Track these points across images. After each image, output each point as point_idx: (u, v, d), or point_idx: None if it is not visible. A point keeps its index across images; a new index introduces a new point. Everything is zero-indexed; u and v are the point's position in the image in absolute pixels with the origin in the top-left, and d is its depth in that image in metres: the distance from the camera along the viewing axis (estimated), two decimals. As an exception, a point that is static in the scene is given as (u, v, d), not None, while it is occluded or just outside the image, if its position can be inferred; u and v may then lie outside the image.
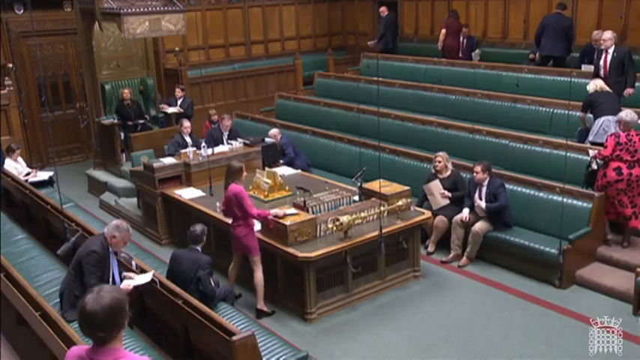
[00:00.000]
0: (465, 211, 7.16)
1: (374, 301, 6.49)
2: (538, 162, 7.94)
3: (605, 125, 7.58)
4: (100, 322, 2.54)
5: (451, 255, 7.25)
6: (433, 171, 7.61)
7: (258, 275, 6.16)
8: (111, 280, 5.05)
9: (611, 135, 6.79)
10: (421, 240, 7.08)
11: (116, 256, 5.20)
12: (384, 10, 12.99)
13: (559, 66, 10.20)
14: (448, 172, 7.55)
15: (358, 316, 6.26)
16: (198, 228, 5.88)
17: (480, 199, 7.09)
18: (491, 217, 7.07)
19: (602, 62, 8.47)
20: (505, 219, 7.06)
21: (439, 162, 7.52)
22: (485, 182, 7.09)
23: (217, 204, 7.12)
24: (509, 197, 7.07)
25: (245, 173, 6.29)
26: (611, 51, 8.36)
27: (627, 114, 6.80)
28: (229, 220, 6.32)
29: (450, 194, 7.36)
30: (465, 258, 7.16)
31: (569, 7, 10.24)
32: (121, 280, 5.10)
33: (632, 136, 6.64)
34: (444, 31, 12.23)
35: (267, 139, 9.22)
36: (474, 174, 7.16)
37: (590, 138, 7.71)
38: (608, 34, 8.39)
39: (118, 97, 10.62)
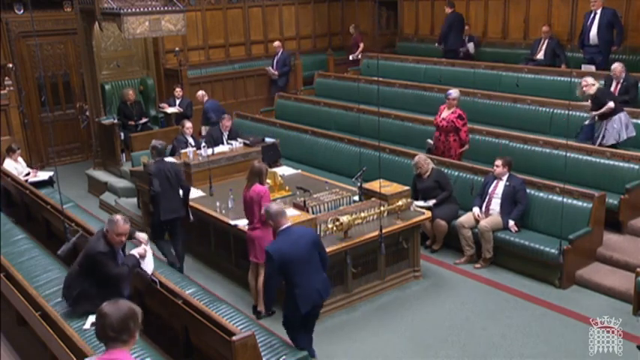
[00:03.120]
0: (476, 210, 7.15)
1: (374, 301, 6.49)
2: (538, 162, 7.95)
3: (625, 121, 7.75)
4: (112, 322, 2.89)
5: (464, 258, 7.18)
6: (417, 171, 7.52)
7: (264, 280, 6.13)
8: None
9: (457, 117, 8.15)
10: (421, 240, 7.06)
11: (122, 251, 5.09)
12: (279, 46, 13.06)
13: (459, 58, 11.86)
14: (429, 170, 7.49)
15: (358, 316, 6.27)
16: (158, 143, 6.83)
17: (495, 193, 7.08)
18: (504, 210, 7.02)
19: (589, 24, 9.21)
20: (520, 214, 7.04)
21: (423, 165, 7.44)
22: (505, 177, 7.10)
23: (217, 204, 7.12)
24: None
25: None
26: (599, 11, 9.05)
27: (458, 93, 8.36)
28: (244, 223, 6.29)
29: (432, 202, 7.30)
30: (481, 261, 7.07)
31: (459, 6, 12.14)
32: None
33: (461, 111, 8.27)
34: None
35: (267, 139, 9.22)
36: (495, 167, 7.13)
37: (625, 136, 7.75)
38: None
39: (118, 97, 10.62)
